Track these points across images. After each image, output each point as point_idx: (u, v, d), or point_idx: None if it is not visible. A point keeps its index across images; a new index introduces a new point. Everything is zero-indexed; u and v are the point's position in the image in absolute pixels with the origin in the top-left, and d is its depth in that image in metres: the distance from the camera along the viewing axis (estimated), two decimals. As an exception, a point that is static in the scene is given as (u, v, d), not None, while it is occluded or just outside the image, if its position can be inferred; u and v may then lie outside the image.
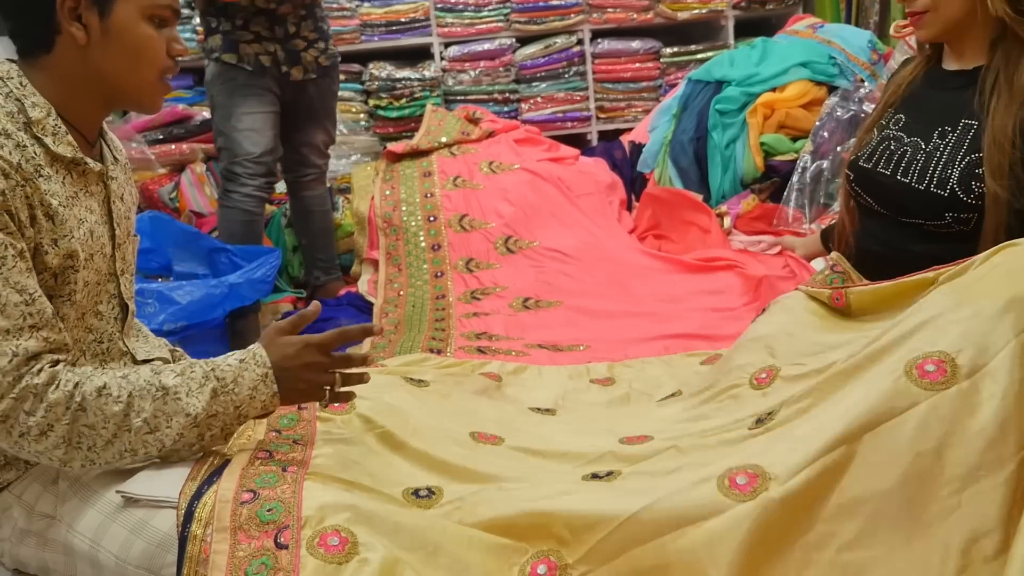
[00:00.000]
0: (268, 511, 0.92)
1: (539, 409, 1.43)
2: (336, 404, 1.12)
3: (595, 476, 1.04)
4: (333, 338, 1.06)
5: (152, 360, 1.19)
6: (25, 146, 0.97)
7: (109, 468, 1.00)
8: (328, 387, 1.07)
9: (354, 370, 1.09)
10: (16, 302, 0.93)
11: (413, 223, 2.60)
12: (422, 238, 2.56)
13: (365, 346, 2.02)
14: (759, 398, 1.21)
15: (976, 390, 0.81)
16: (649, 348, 1.84)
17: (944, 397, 0.81)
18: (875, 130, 1.44)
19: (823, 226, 2.08)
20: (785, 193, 2.34)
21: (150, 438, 0.97)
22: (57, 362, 0.96)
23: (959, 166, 1.29)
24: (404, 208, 2.65)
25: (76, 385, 0.95)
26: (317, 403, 1.13)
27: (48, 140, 0.99)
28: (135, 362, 1.16)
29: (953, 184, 1.29)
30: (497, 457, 1.12)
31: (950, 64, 1.39)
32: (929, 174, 1.32)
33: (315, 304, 1.10)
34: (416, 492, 1.05)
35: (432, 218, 2.60)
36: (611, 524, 0.91)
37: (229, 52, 2.27)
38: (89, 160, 1.05)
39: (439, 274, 2.45)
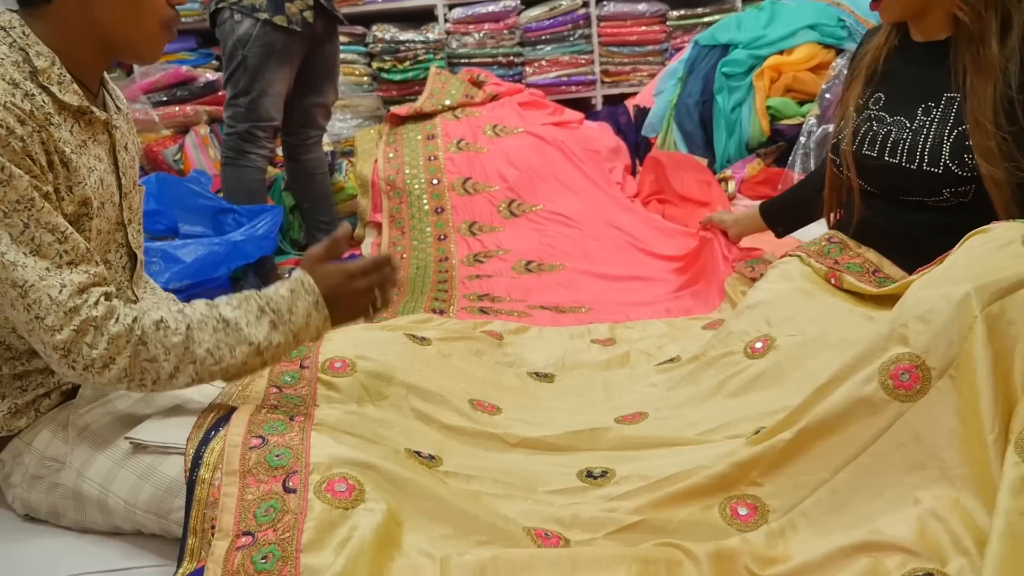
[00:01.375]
0: (277, 456, 0.93)
1: (538, 375, 1.44)
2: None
3: (589, 475, 1.06)
4: (369, 266, 1.10)
5: None
6: (33, 95, 0.96)
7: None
8: (372, 307, 1.11)
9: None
10: (50, 241, 0.94)
11: (416, 186, 2.60)
12: (425, 201, 2.56)
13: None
14: (751, 367, 1.24)
15: (951, 385, 0.84)
16: (651, 311, 1.85)
17: (924, 402, 0.85)
18: (855, 111, 1.41)
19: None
20: (791, 157, 2.33)
21: (215, 368, 0.99)
22: (108, 295, 0.97)
23: (949, 141, 1.27)
24: (407, 171, 2.65)
25: (135, 319, 0.96)
26: (319, 363, 1.17)
27: (55, 89, 0.99)
28: None
29: (946, 160, 1.27)
30: (490, 450, 1.13)
31: (918, 36, 1.35)
32: (919, 153, 1.30)
33: (345, 226, 1.14)
34: (418, 452, 1.06)
35: (435, 181, 2.59)
36: (616, 525, 0.94)
37: (279, 14, 2.22)
38: (95, 109, 1.05)
39: (442, 237, 2.45)
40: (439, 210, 2.53)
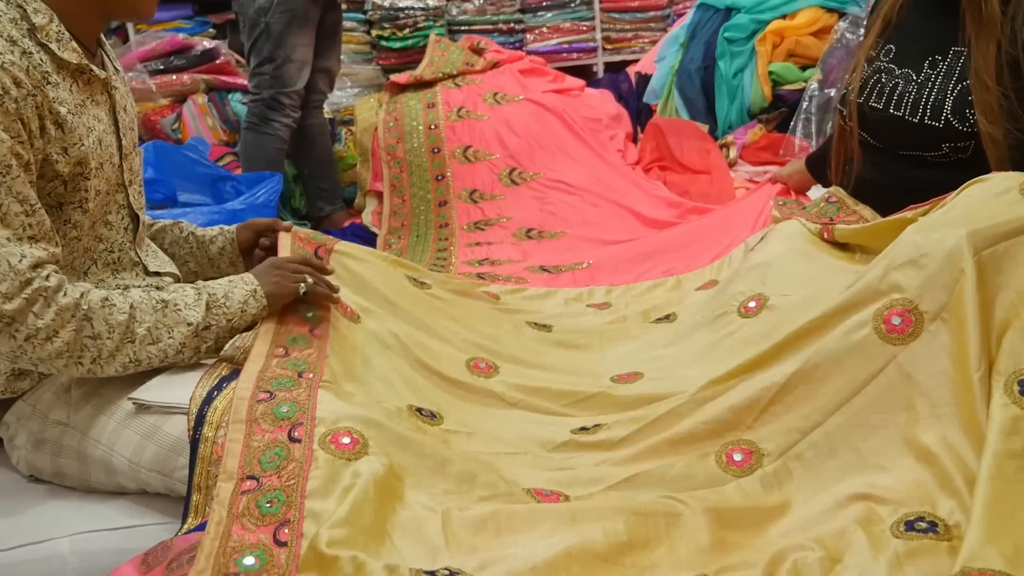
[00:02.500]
0: (284, 409, 0.94)
1: (536, 324, 1.43)
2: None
3: (583, 429, 1.07)
4: (298, 258, 1.19)
5: (163, 274, 1.20)
6: (31, 53, 0.95)
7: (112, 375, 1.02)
8: (301, 282, 1.13)
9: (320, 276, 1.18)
10: (17, 212, 0.93)
11: (417, 155, 2.59)
12: (426, 168, 2.55)
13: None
14: (744, 327, 1.24)
15: (943, 327, 0.86)
16: (650, 276, 1.84)
17: (916, 345, 0.86)
18: (866, 63, 1.41)
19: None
20: (792, 123, 2.31)
21: (153, 349, 1.00)
22: (58, 272, 0.96)
23: (952, 95, 1.27)
24: (408, 141, 2.63)
25: (83, 294, 0.97)
26: (329, 323, 1.15)
27: (53, 46, 0.98)
28: (147, 273, 1.17)
29: (947, 114, 1.27)
30: (489, 407, 1.14)
31: None
32: (922, 106, 1.30)
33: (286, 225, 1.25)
34: (420, 410, 1.07)
35: (436, 150, 2.58)
36: (614, 479, 0.95)
37: None
38: (94, 67, 1.04)
39: (443, 203, 2.45)
40: (440, 177, 2.53)
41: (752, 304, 1.27)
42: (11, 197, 0.92)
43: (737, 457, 0.94)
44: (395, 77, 2.84)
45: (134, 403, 1.01)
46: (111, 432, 1.01)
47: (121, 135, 1.10)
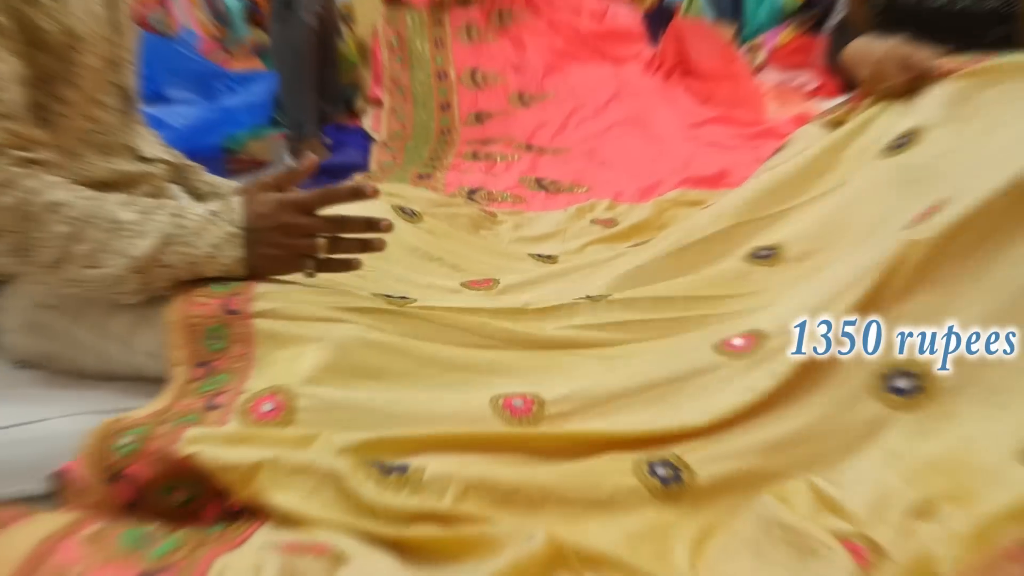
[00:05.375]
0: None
1: (539, 256, 1.36)
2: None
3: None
4: (316, 197, 0.91)
5: (156, 160, 1.13)
6: None
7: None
8: (311, 256, 0.92)
9: (354, 236, 0.93)
10: None
11: (421, 84, 2.47)
12: (427, 62, 2.46)
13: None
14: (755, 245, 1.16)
15: None
16: (660, 192, 1.77)
17: None
18: None
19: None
20: (827, 23, 2.18)
21: (91, 273, 0.87)
22: (26, 162, 0.87)
23: None
24: (413, 63, 2.51)
25: (34, 193, 0.86)
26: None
27: None
28: (139, 159, 1.10)
29: None
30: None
31: None
32: None
33: (310, 158, 0.97)
34: (390, 296, 0.99)
35: (441, 75, 2.47)
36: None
37: None
38: None
39: (445, 106, 2.37)
40: (442, 75, 2.45)
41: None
42: None
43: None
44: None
45: None
46: (103, 316, 0.95)
47: (112, 8, 1.03)
